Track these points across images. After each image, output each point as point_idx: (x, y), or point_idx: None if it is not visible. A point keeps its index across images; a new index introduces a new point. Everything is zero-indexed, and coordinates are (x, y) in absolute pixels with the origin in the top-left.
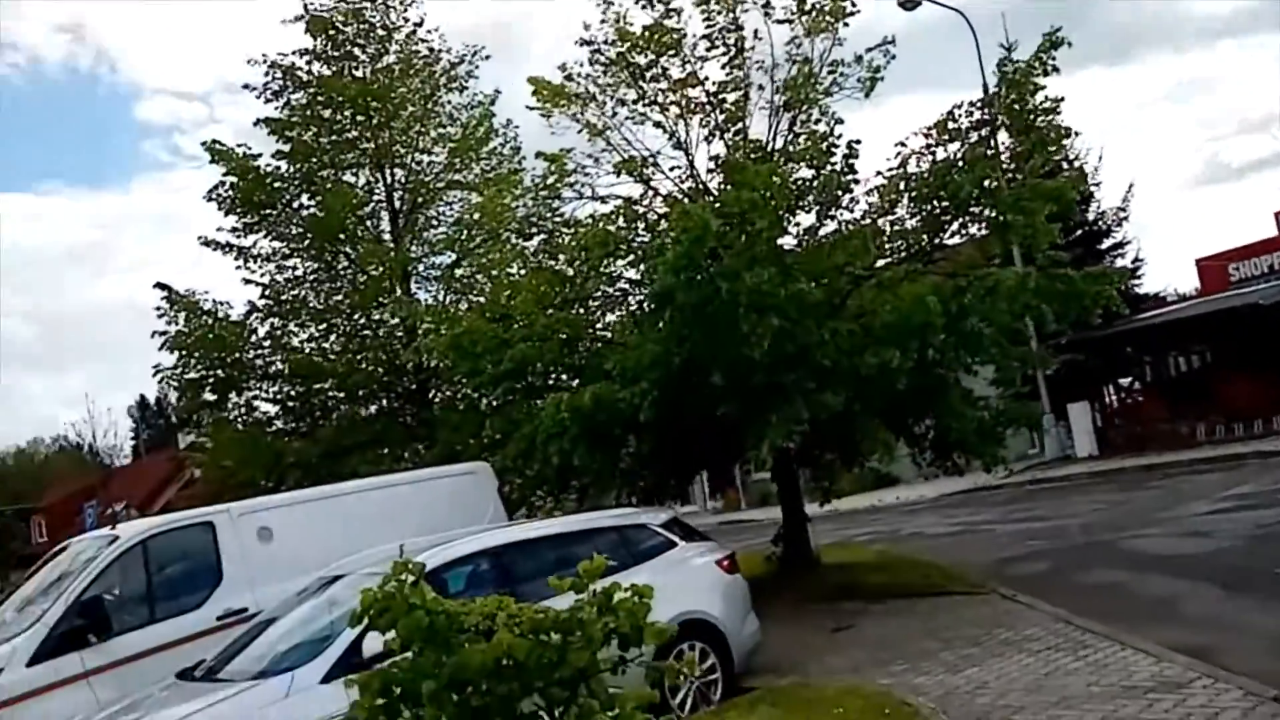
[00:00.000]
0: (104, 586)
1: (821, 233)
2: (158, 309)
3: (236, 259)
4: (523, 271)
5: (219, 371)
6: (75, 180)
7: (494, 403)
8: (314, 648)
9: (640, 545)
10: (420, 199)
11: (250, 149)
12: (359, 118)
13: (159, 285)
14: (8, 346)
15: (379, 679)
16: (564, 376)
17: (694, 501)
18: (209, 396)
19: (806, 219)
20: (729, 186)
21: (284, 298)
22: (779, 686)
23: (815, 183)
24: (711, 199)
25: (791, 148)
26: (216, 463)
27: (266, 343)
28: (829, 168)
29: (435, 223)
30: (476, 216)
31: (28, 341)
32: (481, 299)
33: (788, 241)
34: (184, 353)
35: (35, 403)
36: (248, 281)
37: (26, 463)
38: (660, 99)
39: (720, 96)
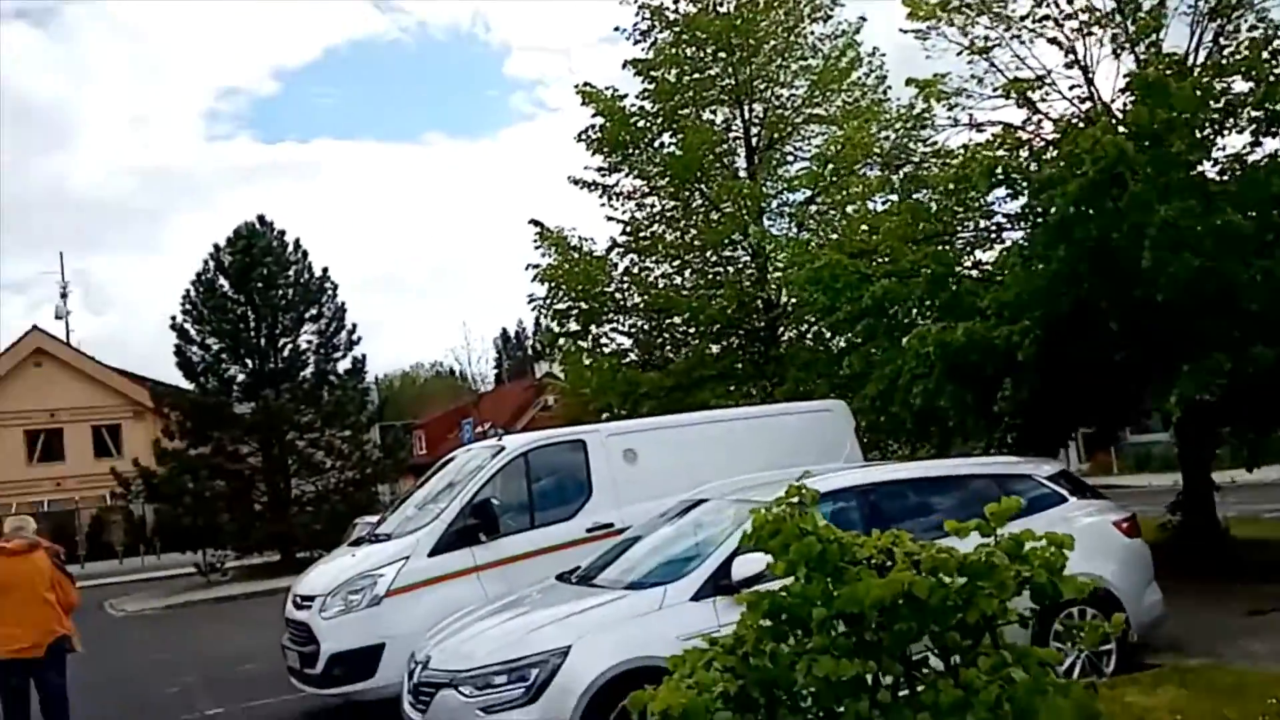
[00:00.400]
0: (491, 491)
1: (1252, 157)
2: (534, 241)
3: (601, 196)
4: (884, 206)
5: (583, 303)
6: (455, 131)
7: (852, 340)
8: (681, 566)
9: (1022, 498)
10: (777, 134)
11: (618, 91)
12: (721, 54)
13: (533, 222)
14: (398, 281)
15: (768, 600)
16: (928, 316)
17: (1058, 462)
18: (573, 326)
19: (1235, 141)
20: (1142, 105)
21: (642, 234)
22: (1187, 666)
23: (1251, 98)
24: (1114, 121)
25: (1224, 60)
26: (575, 389)
27: (625, 278)
28: (1273, 77)
29: (791, 158)
30: (837, 149)
31: (414, 276)
32: (836, 235)
33: (1207, 169)
34: (553, 284)
35: (417, 331)
36: (610, 219)
37: (410, 384)
38: (1057, 12)
39: (1132, 5)
